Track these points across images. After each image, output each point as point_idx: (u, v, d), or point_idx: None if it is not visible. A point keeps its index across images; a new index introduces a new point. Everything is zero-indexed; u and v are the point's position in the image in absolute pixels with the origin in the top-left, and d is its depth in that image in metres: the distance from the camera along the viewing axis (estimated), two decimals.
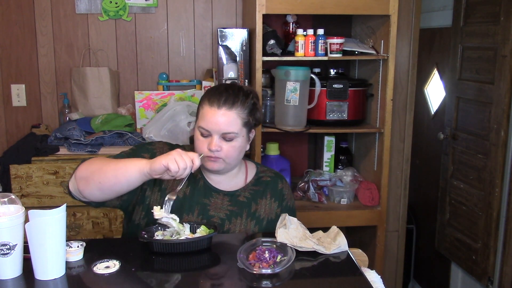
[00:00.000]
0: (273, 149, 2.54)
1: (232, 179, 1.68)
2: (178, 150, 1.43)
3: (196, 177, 1.66)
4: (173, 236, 1.48)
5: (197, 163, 1.42)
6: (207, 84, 2.62)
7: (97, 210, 2.37)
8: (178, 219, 1.48)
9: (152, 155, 1.60)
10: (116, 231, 2.43)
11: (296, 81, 2.33)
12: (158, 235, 1.48)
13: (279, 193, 1.71)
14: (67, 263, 1.33)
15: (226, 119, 1.55)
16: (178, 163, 1.38)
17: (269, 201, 1.69)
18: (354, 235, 2.73)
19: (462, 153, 2.72)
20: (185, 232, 1.49)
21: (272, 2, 2.23)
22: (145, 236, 1.45)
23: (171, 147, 1.69)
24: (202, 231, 1.49)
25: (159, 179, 1.52)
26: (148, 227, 1.51)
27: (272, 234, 1.52)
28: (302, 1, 2.24)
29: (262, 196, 1.69)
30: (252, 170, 1.73)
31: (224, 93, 1.57)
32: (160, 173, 1.40)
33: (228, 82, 2.43)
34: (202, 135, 1.58)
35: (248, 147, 1.66)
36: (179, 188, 1.50)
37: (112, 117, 2.56)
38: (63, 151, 2.39)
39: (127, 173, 1.44)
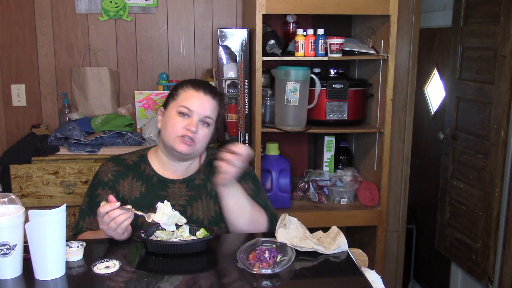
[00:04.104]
0: (273, 149, 2.53)
1: (189, 166, 1.73)
2: (101, 228, 1.47)
3: (150, 175, 1.70)
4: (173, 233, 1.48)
5: (118, 213, 1.43)
6: None
7: None
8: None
9: (103, 184, 1.67)
10: None
11: (296, 81, 2.33)
12: (157, 234, 1.48)
13: None
14: (67, 263, 1.33)
15: (210, 105, 1.65)
16: (112, 228, 1.44)
17: None
18: (354, 235, 2.73)
19: (462, 153, 2.72)
20: (184, 234, 1.49)
21: (272, 2, 2.23)
22: (141, 235, 1.45)
23: (114, 160, 1.73)
24: (201, 234, 1.49)
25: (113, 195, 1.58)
26: (148, 227, 1.51)
27: (271, 234, 1.52)
28: (302, 1, 2.24)
29: (215, 174, 1.69)
30: (204, 154, 1.79)
31: (207, 84, 1.70)
32: (125, 227, 1.46)
33: (229, 82, 2.44)
34: (180, 114, 1.63)
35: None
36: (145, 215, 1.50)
37: (112, 117, 2.56)
38: (63, 151, 2.39)
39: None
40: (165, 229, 1.50)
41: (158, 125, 1.71)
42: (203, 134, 1.65)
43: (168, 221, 1.47)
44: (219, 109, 1.69)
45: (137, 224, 1.59)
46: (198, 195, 1.69)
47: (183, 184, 1.70)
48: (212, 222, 1.66)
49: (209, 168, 1.74)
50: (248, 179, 1.75)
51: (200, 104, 1.63)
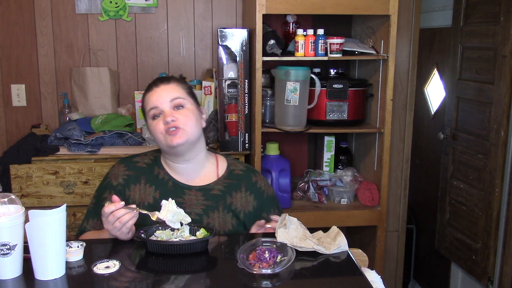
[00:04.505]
0: (273, 149, 2.54)
1: (201, 170, 1.69)
2: (106, 228, 1.48)
3: (164, 179, 1.66)
4: (174, 234, 1.48)
5: (122, 212, 1.44)
6: (207, 84, 2.62)
7: None
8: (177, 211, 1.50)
9: (111, 188, 1.65)
10: None
11: (296, 81, 2.33)
12: (157, 234, 1.48)
13: (254, 187, 1.72)
14: (67, 263, 1.33)
15: (167, 90, 1.62)
16: (117, 228, 1.45)
17: (244, 194, 1.69)
18: (354, 235, 2.73)
19: (462, 153, 2.72)
20: (184, 234, 1.49)
21: (272, 2, 2.23)
22: (141, 235, 1.45)
23: (126, 163, 1.70)
24: (201, 233, 1.49)
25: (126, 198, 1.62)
26: (148, 226, 1.51)
27: (271, 234, 1.52)
28: (302, 1, 2.24)
29: (236, 189, 1.69)
30: (223, 163, 1.74)
31: (159, 78, 1.69)
32: (130, 227, 1.47)
33: (229, 82, 2.44)
34: (154, 117, 1.62)
35: (204, 124, 1.69)
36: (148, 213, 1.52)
37: (112, 117, 2.56)
38: (63, 151, 2.39)
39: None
40: (167, 229, 1.50)
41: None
42: (183, 115, 1.60)
43: (173, 218, 1.47)
44: (182, 86, 1.66)
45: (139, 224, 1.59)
46: (215, 206, 1.65)
47: (200, 192, 1.66)
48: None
49: (229, 181, 1.70)
50: (274, 205, 1.75)
51: (158, 97, 1.61)
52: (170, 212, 1.46)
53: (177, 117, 1.58)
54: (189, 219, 1.49)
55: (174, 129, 1.57)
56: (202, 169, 1.69)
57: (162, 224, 1.50)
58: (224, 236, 1.62)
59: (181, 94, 1.63)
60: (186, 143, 1.59)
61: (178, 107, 1.61)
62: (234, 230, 1.66)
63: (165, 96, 1.61)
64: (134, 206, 1.48)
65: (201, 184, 1.67)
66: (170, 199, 1.49)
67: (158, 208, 1.57)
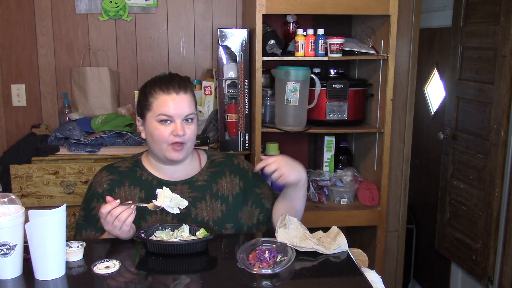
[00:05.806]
0: (273, 149, 2.53)
1: (187, 167, 1.70)
2: (107, 229, 1.47)
3: (148, 179, 1.67)
4: (174, 235, 1.48)
5: (119, 211, 1.44)
6: (207, 84, 2.62)
7: None
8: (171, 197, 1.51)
9: (98, 196, 1.64)
10: None
11: (296, 81, 2.33)
12: (157, 234, 1.49)
13: (237, 169, 1.75)
14: (67, 263, 1.33)
15: (186, 102, 1.60)
16: (117, 226, 1.44)
17: (229, 178, 1.72)
18: (354, 235, 2.73)
19: (462, 153, 2.72)
20: (184, 234, 1.49)
21: (272, 2, 2.23)
22: (141, 235, 1.45)
23: (107, 169, 1.70)
24: (201, 234, 1.49)
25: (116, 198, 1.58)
26: (148, 226, 1.51)
27: (271, 234, 1.52)
28: (302, 1, 2.24)
29: (220, 175, 1.71)
30: (203, 156, 1.77)
31: (175, 80, 1.62)
32: (130, 224, 1.46)
33: (229, 82, 2.44)
34: (162, 122, 1.59)
35: None
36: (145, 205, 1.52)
37: (112, 117, 2.56)
38: (63, 151, 2.39)
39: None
40: (167, 229, 1.50)
41: (141, 135, 1.68)
42: (191, 132, 1.62)
43: (171, 203, 1.48)
44: (194, 98, 1.65)
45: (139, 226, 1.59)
46: (202, 196, 1.67)
47: (185, 185, 1.67)
48: (218, 222, 1.64)
49: (212, 169, 1.73)
50: (261, 180, 1.78)
51: (176, 106, 1.58)
52: (167, 198, 1.48)
53: (186, 132, 1.60)
54: (186, 203, 1.50)
55: (178, 145, 1.59)
56: (185, 165, 1.71)
57: (160, 212, 1.50)
58: (224, 236, 1.62)
59: (193, 109, 1.63)
60: (183, 158, 1.65)
61: (188, 120, 1.62)
62: (224, 217, 1.66)
63: (182, 108, 1.59)
64: (130, 202, 1.48)
65: (185, 177, 1.69)
66: (164, 187, 1.50)
67: (146, 208, 1.56)
